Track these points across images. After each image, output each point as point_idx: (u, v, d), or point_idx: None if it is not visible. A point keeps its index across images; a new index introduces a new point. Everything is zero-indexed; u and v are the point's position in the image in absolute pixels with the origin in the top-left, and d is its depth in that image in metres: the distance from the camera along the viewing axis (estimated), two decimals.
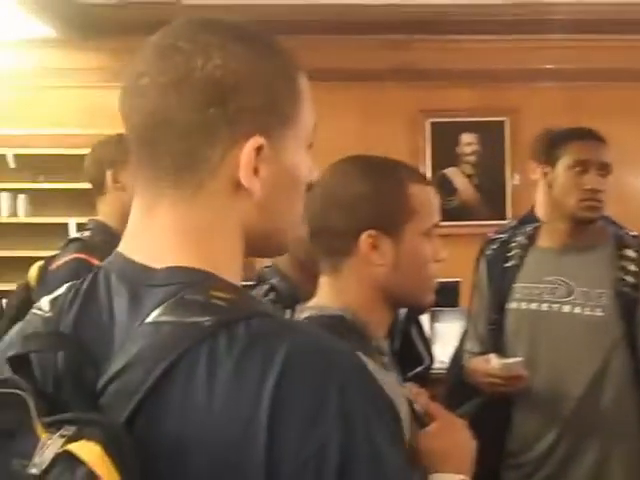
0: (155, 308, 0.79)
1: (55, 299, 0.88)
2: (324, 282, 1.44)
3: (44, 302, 0.89)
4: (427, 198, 1.42)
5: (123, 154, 2.43)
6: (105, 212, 2.57)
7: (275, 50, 0.88)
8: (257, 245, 0.89)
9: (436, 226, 1.43)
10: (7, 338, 0.92)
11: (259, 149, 0.83)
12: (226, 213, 0.84)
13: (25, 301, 2.47)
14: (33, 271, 2.65)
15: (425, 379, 2.36)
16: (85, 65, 5.03)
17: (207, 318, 0.77)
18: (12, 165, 5.17)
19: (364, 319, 1.38)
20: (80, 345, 0.81)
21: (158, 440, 0.74)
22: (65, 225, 4.85)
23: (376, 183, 1.39)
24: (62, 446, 0.70)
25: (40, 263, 2.66)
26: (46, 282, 2.45)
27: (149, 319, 0.79)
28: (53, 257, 2.57)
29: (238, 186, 0.83)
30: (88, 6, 4.79)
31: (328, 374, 0.76)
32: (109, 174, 2.53)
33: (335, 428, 0.73)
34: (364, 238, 1.37)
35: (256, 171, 0.83)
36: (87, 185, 2.66)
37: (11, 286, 3.33)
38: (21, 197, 5.16)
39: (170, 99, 0.82)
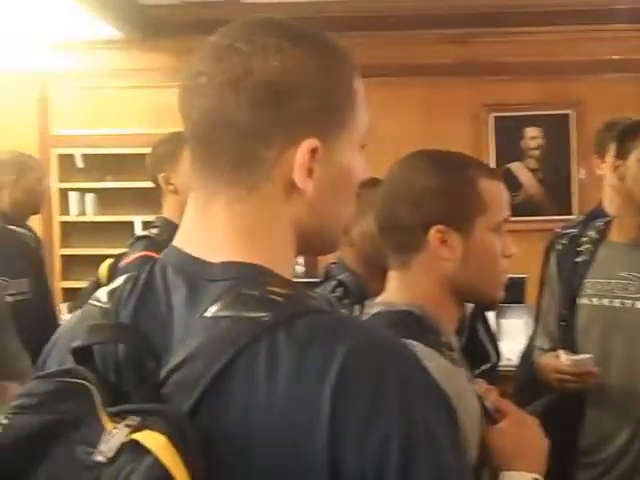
0: (213, 302, 0.80)
1: (113, 291, 0.89)
2: (393, 277, 1.43)
3: (102, 293, 0.90)
4: (497, 193, 1.41)
5: (174, 157, 2.47)
6: (168, 210, 2.60)
7: (332, 52, 0.88)
8: (310, 243, 0.89)
9: (506, 221, 1.41)
10: (65, 329, 0.93)
11: (314, 151, 0.84)
12: (280, 212, 0.85)
13: None
14: (103, 268, 2.69)
15: (492, 376, 2.33)
16: (148, 65, 5.11)
17: (265, 314, 0.78)
18: (80, 165, 5.28)
19: (433, 314, 1.37)
20: (142, 336, 0.81)
21: (221, 432, 0.75)
22: (131, 223, 4.93)
23: (445, 177, 1.38)
24: (128, 435, 0.71)
25: (110, 261, 2.71)
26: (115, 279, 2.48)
27: (208, 313, 0.80)
28: (122, 254, 2.61)
29: (292, 186, 0.84)
30: (150, 7, 4.87)
31: (388, 371, 0.76)
32: (161, 177, 2.57)
33: (396, 426, 0.74)
34: (433, 233, 1.36)
35: (310, 172, 0.84)
36: (151, 184, 2.71)
37: (80, 283, 3.41)
38: (89, 196, 5.26)
39: (228, 99, 0.82)
